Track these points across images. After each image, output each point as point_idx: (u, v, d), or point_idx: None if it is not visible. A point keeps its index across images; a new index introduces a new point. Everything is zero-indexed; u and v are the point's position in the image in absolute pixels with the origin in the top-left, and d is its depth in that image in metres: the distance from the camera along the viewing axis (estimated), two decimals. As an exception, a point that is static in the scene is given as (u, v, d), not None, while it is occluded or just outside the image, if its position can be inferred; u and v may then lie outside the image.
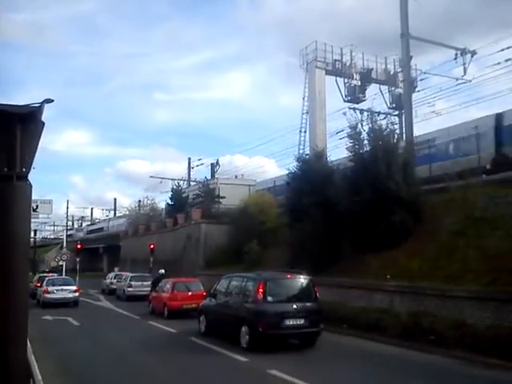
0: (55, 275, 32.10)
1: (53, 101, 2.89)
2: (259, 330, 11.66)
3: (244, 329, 12.02)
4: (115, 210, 75.83)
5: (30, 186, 2.80)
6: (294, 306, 12.05)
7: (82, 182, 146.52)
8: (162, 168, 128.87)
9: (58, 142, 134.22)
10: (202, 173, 50.53)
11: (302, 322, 11.94)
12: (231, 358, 10.93)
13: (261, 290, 12.13)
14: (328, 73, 30.72)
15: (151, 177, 55.80)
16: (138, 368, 10.41)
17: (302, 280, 12.87)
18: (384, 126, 18.63)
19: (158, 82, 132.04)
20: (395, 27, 24.80)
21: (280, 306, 12.15)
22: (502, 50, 23.61)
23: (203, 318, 14.50)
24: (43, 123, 2.82)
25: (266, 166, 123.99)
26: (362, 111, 26.35)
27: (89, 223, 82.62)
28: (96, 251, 65.36)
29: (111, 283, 32.59)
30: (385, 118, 21.72)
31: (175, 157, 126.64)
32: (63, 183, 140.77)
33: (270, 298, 12.17)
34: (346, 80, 31.09)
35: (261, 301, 12.08)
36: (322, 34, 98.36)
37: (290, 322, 11.87)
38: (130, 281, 27.67)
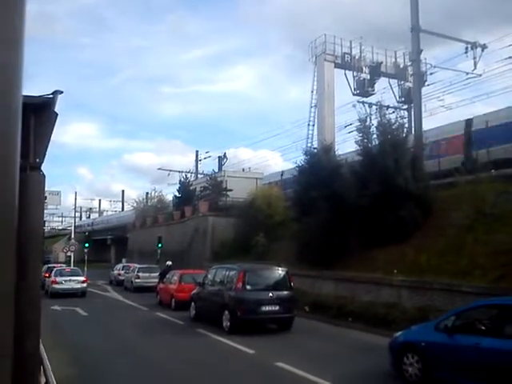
0: (63, 266, 32.32)
1: (62, 92, 2.87)
2: (238, 314, 13.02)
3: (226, 313, 13.36)
4: (123, 201, 76.19)
5: (43, 176, 2.79)
6: (270, 294, 13.38)
7: (88, 173, 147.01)
8: (169, 160, 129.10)
9: (65, 133, 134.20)
10: (208, 165, 50.55)
11: (277, 308, 13.26)
12: (241, 351, 11.03)
13: (241, 280, 13.51)
14: (337, 66, 30.41)
15: (159, 169, 55.66)
16: (146, 359, 10.47)
17: (279, 271, 14.18)
18: (393, 120, 18.53)
19: (165, 75, 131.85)
20: (400, 20, 24.55)
21: (257, 293, 13.51)
22: (512, 44, 23.27)
23: (193, 305, 15.86)
24: (56, 114, 2.82)
25: (271, 159, 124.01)
26: (370, 105, 26.08)
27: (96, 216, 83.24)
28: (104, 242, 65.74)
29: (119, 274, 32.77)
30: (394, 112, 21.63)
31: (181, 149, 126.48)
32: (70, 175, 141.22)
33: (248, 287, 13.55)
34: (354, 73, 30.75)
35: (240, 289, 13.46)
36: (328, 27, 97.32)
37: (266, 308, 13.20)
38: (137, 272, 27.84)
